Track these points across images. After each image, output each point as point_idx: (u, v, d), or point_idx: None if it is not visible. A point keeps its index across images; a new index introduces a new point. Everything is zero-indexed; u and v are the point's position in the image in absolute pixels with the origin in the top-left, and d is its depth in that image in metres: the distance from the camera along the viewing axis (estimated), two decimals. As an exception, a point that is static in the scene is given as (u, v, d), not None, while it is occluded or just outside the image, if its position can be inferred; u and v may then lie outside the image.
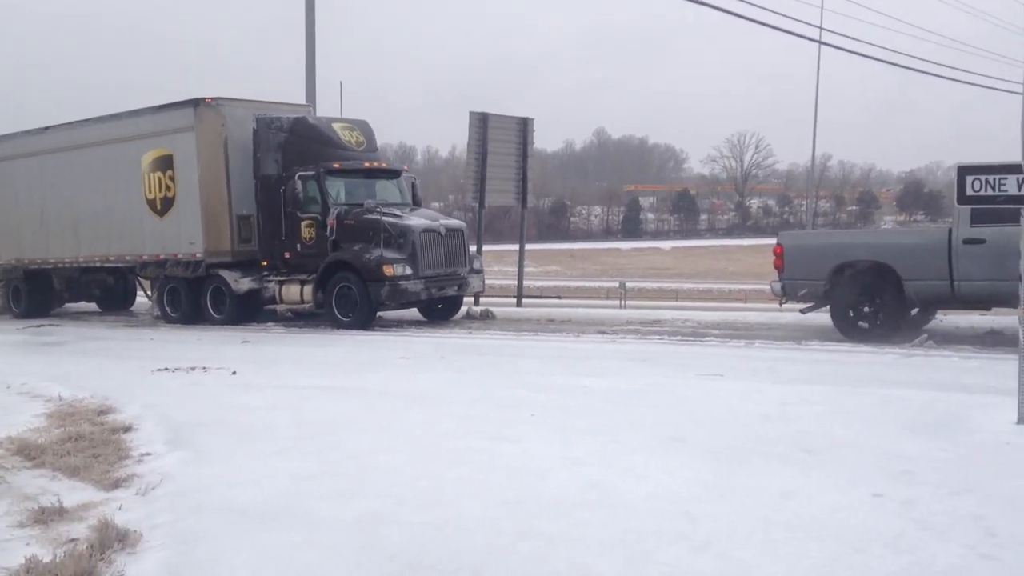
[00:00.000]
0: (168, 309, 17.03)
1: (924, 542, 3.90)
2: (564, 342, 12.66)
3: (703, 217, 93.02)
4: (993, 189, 6.20)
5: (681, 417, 6.45)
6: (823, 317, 12.27)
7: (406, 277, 14.44)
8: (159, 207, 16.68)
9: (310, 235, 15.31)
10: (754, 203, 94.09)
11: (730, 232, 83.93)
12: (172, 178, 16.37)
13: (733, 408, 6.74)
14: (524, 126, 18.86)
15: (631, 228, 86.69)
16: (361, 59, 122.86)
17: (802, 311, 12.58)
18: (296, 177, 15.15)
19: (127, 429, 6.56)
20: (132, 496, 4.92)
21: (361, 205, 15.08)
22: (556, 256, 61.13)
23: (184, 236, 16.26)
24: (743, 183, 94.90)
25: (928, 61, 24.47)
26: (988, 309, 11.83)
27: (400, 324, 15.92)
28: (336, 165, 15.37)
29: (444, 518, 4.30)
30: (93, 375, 9.47)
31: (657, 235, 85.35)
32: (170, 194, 16.45)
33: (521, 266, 20.03)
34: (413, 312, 16.38)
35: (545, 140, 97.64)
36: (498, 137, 18.25)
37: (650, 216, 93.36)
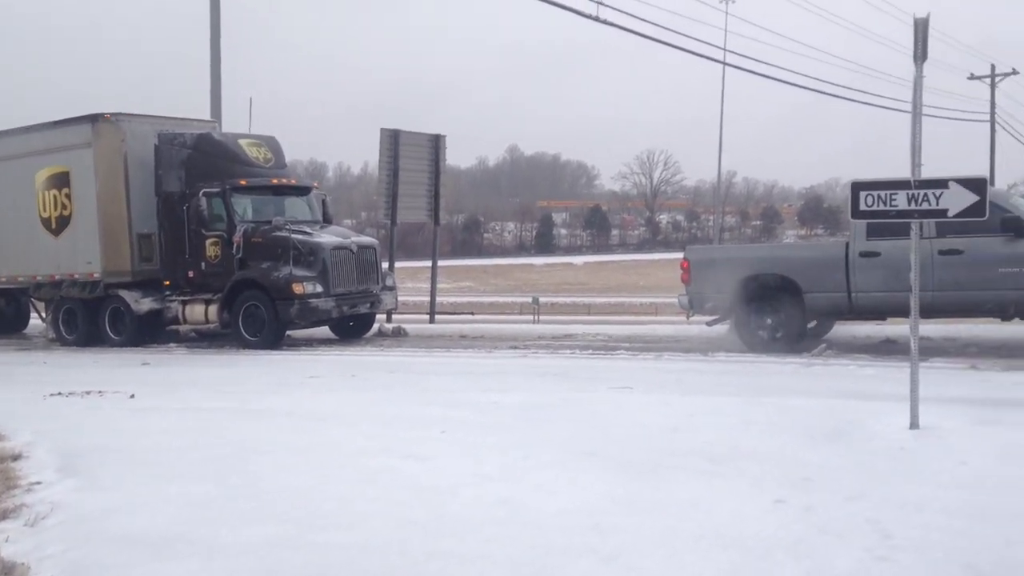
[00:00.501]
0: (64, 331, 16.36)
1: (824, 547, 3.99)
2: (476, 358, 12.64)
3: (615, 232, 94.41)
4: (885, 204, 6.44)
5: (592, 431, 6.49)
6: (729, 329, 12.55)
7: (316, 295, 14.21)
8: (55, 226, 16.05)
9: (215, 253, 14.94)
10: (664, 218, 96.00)
11: (641, 247, 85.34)
12: (69, 196, 15.79)
13: (642, 421, 6.82)
14: (436, 143, 18.85)
15: (544, 244, 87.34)
16: (273, 74, 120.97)
17: (708, 324, 12.85)
18: (200, 194, 14.78)
19: (16, 457, 6.24)
20: (20, 527, 4.67)
21: (269, 222, 14.80)
22: (470, 272, 61.12)
23: (81, 255, 15.67)
24: (653, 199, 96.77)
25: (827, 82, 25.48)
26: (883, 319, 12.29)
27: (310, 343, 15.65)
28: (242, 182, 15.06)
29: (350, 540, 4.21)
30: (-20, 402, 9.01)
31: (570, 250, 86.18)
32: (67, 212, 15.86)
33: (434, 282, 19.95)
34: (324, 330, 16.12)
35: (458, 157, 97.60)
36: (410, 154, 18.18)
37: (563, 232, 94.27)
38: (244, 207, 15.11)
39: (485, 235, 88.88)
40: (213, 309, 14.79)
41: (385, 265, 16.44)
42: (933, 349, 11.15)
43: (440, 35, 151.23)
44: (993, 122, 44.40)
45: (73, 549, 4.23)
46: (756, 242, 67.40)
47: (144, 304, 15.39)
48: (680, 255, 13.34)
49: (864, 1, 32.58)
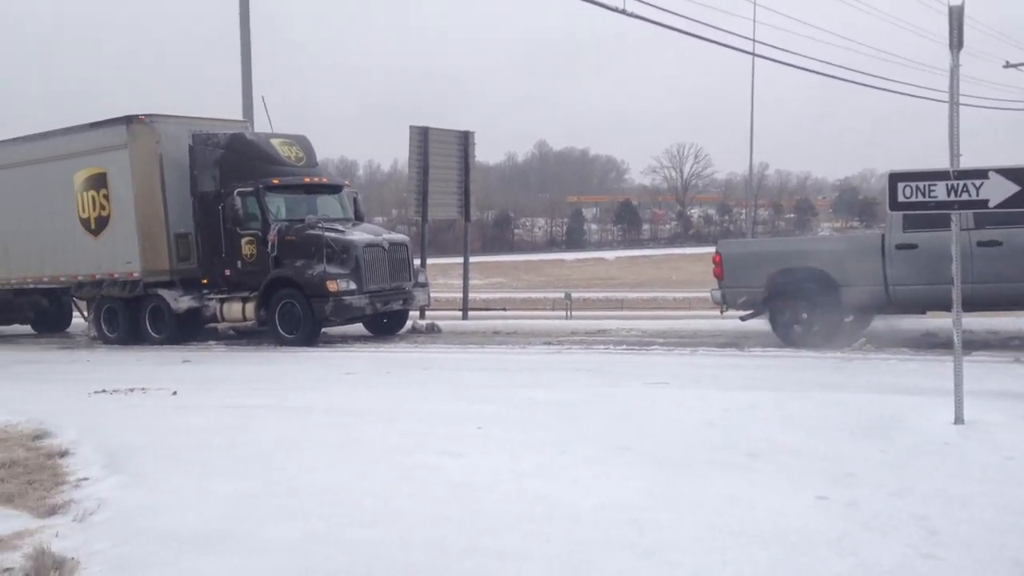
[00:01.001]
0: (105, 329, 16.63)
1: (867, 543, 3.95)
2: (510, 354, 12.66)
3: (645, 227, 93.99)
4: (923, 195, 6.34)
5: (627, 426, 6.47)
6: (765, 324, 12.46)
7: (350, 292, 14.31)
8: (94, 226, 16.30)
9: (251, 252, 15.10)
10: (695, 212, 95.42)
11: (672, 241, 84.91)
12: (107, 196, 16.03)
13: (678, 416, 6.78)
14: (465, 140, 18.89)
15: (575, 239, 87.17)
16: (302, 74, 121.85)
17: (742, 318, 12.75)
18: (235, 193, 14.93)
19: (63, 454, 6.37)
20: (69, 523, 4.76)
21: (302, 221, 14.93)
22: (501, 268, 61.17)
23: (120, 255, 15.91)
24: (683, 193, 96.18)
25: (860, 71, 25.07)
26: (923, 313, 12.12)
27: (345, 340, 15.76)
28: (275, 181, 15.20)
29: (389, 536, 4.24)
30: (28, 399, 9.17)
31: (601, 245, 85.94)
32: (105, 213, 16.10)
33: (466, 279, 20.01)
34: (359, 327, 16.24)
35: (487, 153, 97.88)
36: (439, 151, 18.25)
37: (593, 227, 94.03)
38: (278, 206, 15.26)
39: (516, 231, 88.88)
40: (250, 307, 14.95)
41: (417, 262, 16.51)
42: (976, 342, 11.00)
43: (467, 31, 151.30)
44: (1032, 110, 43.51)
45: (120, 545, 4.30)
46: (790, 235, 66.77)
47: (183, 302, 15.59)
48: (712, 249, 13.26)
49: (898, -11, 32.11)
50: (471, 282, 20.90)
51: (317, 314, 14.33)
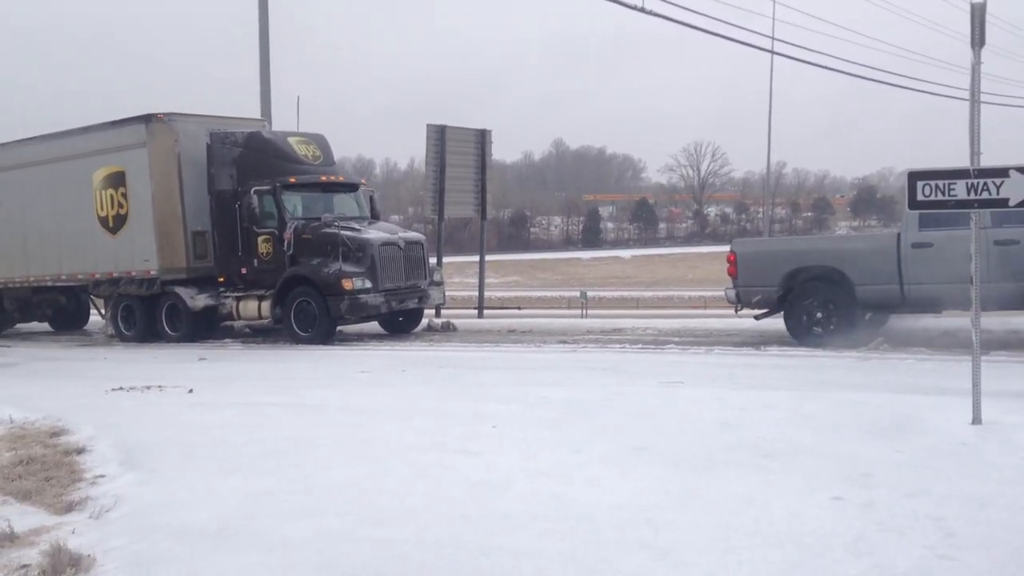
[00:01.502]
0: (122, 327, 16.75)
1: (884, 544, 3.93)
2: (526, 353, 12.66)
3: (662, 226, 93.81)
4: (943, 194, 6.29)
5: (643, 426, 6.45)
6: (780, 322, 12.40)
7: (366, 291, 14.35)
8: (112, 224, 16.42)
9: (267, 250, 15.16)
10: (712, 211, 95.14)
11: (689, 240, 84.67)
12: (125, 195, 16.14)
13: (694, 415, 6.76)
14: (482, 138, 18.90)
15: (591, 238, 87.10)
16: (319, 72, 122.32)
17: (756, 317, 12.70)
18: (252, 192, 15.00)
19: (80, 451, 6.41)
20: (85, 519, 4.80)
21: (319, 219, 14.98)
22: (517, 266, 61.20)
23: (138, 253, 16.02)
24: (700, 191, 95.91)
25: (878, 69, 24.89)
26: (938, 312, 12.03)
27: (361, 338, 15.81)
28: (292, 179, 15.26)
29: (404, 534, 4.25)
30: (45, 396, 9.25)
31: (617, 244, 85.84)
32: (123, 211, 16.21)
33: (482, 277, 20.02)
34: (374, 325, 16.28)
35: (504, 151, 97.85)
36: (456, 149, 18.27)
37: (610, 225, 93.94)
38: (294, 204, 15.31)
39: (532, 229, 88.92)
40: (266, 305, 15.01)
41: (433, 260, 16.53)
42: (994, 342, 10.89)
43: (484, 30, 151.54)
44: (1053, 108, 43.08)
45: (137, 541, 4.33)
46: (807, 234, 66.41)
47: (199, 300, 15.68)
48: (728, 248, 13.21)
49: (918, -14, 31.86)
50: (487, 280, 20.91)
51: (332, 312, 14.38)
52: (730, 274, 12.48)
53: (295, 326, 14.78)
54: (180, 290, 15.79)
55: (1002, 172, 6.14)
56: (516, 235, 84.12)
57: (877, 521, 4.21)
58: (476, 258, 20.78)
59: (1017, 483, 4.73)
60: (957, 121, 6.51)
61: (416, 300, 15.52)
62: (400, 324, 16.21)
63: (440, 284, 16.27)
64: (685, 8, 15.96)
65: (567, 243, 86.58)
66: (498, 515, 4.50)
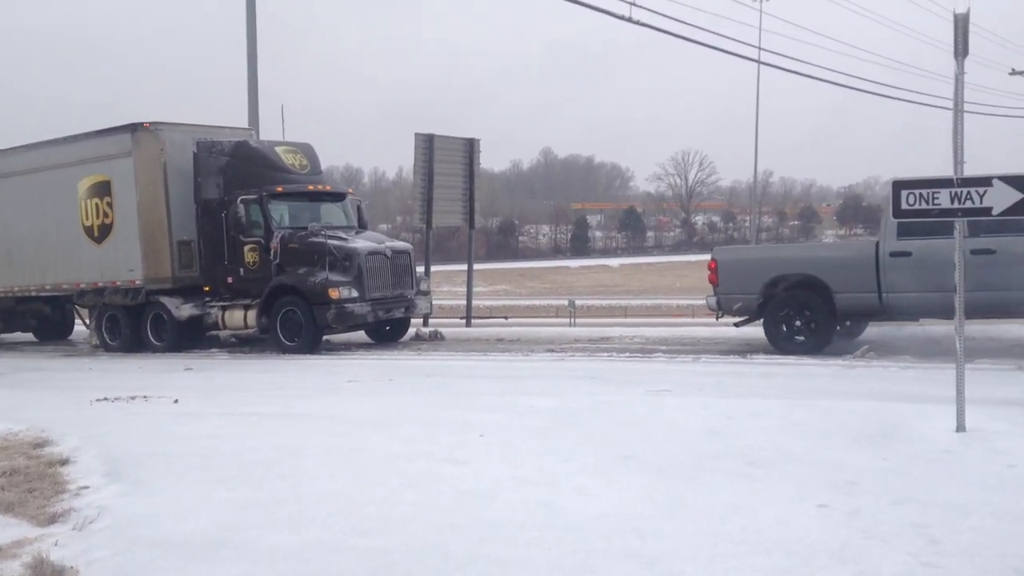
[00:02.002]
0: (107, 337, 16.65)
1: (869, 552, 3.94)
2: (513, 362, 12.66)
3: (650, 234, 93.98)
4: (927, 203, 6.34)
5: (630, 434, 6.46)
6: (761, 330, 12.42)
7: (352, 300, 14.32)
8: (97, 234, 16.35)
9: (253, 259, 15.12)
10: (699, 220, 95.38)
11: (677, 248, 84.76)
12: (110, 204, 16.07)
13: (681, 424, 6.77)
14: (470, 147, 18.91)
15: (579, 246, 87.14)
16: (308, 81, 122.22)
17: (736, 325, 12.76)
18: (238, 201, 14.96)
19: (64, 462, 6.36)
20: (69, 531, 4.76)
21: (305, 228, 14.96)
22: (505, 275, 61.12)
23: (123, 263, 15.94)
24: (688, 200, 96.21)
25: (865, 79, 25.05)
26: (916, 320, 12.10)
27: (348, 347, 15.77)
28: (279, 189, 15.23)
29: (392, 544, 4.24)
30: (29, 407, 9.18)
31: (605, 252, 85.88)
32: (108, 220, 16.14)
33: (470, 286, 20.01)
34: (362, 335, 16.25)
35: (492, 160, 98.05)
36: (444, 158, 18.28)
37: (598, 234, 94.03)
38: (281, 213, 15.28)
39: (520, 238, 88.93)
40: (252, 314, 14.96)
41: (420, 270, 16.52)
42: (978, 350, 10.94)
43: (472, 40, 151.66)
44: (1036, 118, 43.43)
45: (120, 553, 4.30)
46: (794, 242, 66.70)
47: (185, 310, 15.61)
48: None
49: (902, -3, 32.11)
50: (475, 289, 20.90)
51: (319, 321, 14.35)
52: (711, 282, 12.54)
53: (281, 335, 14.73)
54: (165, 300, 15.72)
55: (986, 181, 6.20)
56: (504, 244, 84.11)
57: (862, 528, 4.23)
58: (464, 267, 20.77)
59: (1000, 490, 4.76)
60: (943, 131, 6.56)
61: (403, 309, 15.51)
62: (387, 333, 16.18)
63: (427, 294, 16.26)
64: (672, 18, 16.09)
65: (555, 252, 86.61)
66: (486, 524, 4.49)
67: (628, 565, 3.90)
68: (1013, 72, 42.69)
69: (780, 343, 11.83)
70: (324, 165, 17.07)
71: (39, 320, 19.27)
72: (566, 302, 24.04)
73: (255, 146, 15.98)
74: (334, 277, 14.35)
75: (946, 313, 10.85)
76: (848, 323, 12.50)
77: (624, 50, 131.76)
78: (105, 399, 9.36)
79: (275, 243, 14.82)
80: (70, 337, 19.85)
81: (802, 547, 4.02)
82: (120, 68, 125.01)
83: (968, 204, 6.21)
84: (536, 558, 4.01)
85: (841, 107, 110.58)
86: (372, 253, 14.90)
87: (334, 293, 14.19)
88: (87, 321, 17.94)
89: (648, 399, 8.09)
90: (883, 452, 5.65)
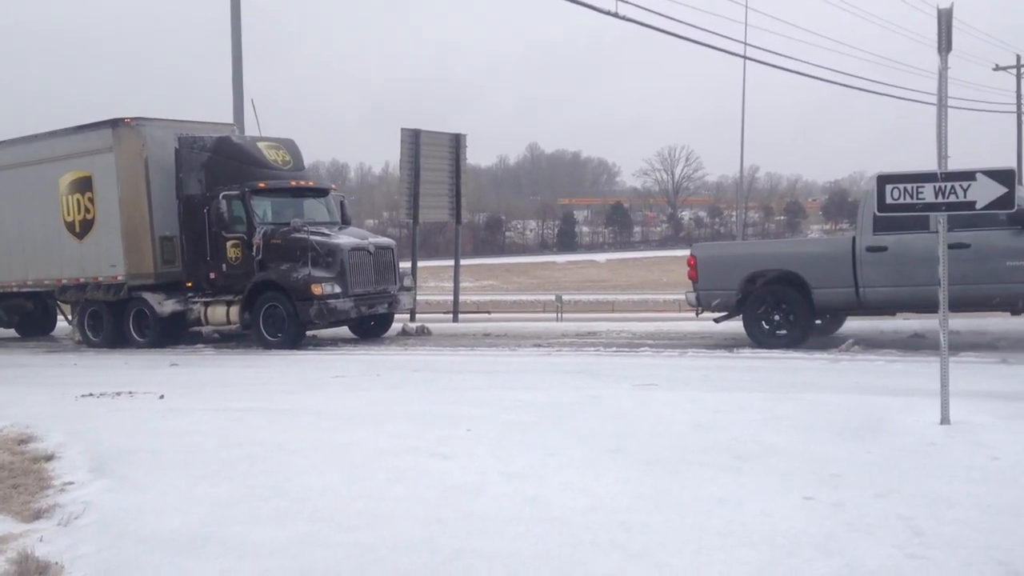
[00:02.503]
0: (89, 333, 16.56)
1: (854, 544, 3.96)
2: (500, 356, 12.65)
3: (637, 229, 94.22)
4: (912, 197, 6.37)
5: (617, 428, 6.47)
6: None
7: (335, 296, 14.29)
8: (78, 230, 16.24)
9: (236, 255, 15.06)
10: (686, 215, 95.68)
11: (663, 244, 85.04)
12: (92, 200, 15.97)
13: (667, 418, 6.79)
14: (456, 142, 18.89)
15: (566, 241, 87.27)
16: (295, 77, 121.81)
17: (716, 320, 12.81)
18: (220, 197, 14.91)
19: (49, 458, 6.31)
20: (53, 527, 4.72)
21: (288, 224, 14.90)
22: (492, 270, 61.18)
23: (105, 259, 15.85)
24: (675, 195, 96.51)
25: (850, 75, 25.18)
26: (892, 315, 12.17)
27: (335, 342, 15.74)
28: (261, 184, 15.17)
29: (379, 538, 4.23)
30: (13, 403, 9.09)
31: (592, 248, 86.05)
32: (90, 216, 16.04)
33: (456, 281, 19.99)
34: (347, 330, 16.21)
35: (479, 156, 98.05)
36: (431, 153, 18.25)
37: (584, 229, 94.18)
38: (263, 209, 15.23)
39: (507, 233, 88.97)
40: (234, 310, 14.91)
41: (405, 265, 16.49)
42: (963, 344, 11.04)
43: (460, 36, 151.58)
44: (1020, 113, 43.77)
45: (106, 549, 4.27)
46: (777, 237, 66.99)
47: (167, 306, 15.55)
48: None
49: (886, -8, 32.24)
50: (462, 285, 20.89)
51: (302, 317, 14.31)
52: (690, 278, 12.58)
53: (264, 331, 14.69)
54: (148, 295, 15.64)
55: (969, 175, 6.23)
56: (491, 239, 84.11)
57: (847, 521, 4.25)
58: (451, 262, 20.75)
59: (984, 483, 4.79)
60: (929, 127, 6.60)
61: (386, 305, 15.48)
62: (370, 329, 16.15)
63: (410, 289, 16.23)
64: (658, 14, 16.10)
65: (542, 247, 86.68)
66: (473, 518, 4.49)
67: (615, 558, 3.91)
68: (997, 68, 42.99)
69: (759, 338, 11.89)
70: (310, 160, 17.01)
71: (21, 316, 19.14)
72: (553, 297, 24.12)
73: (237, 142, 15.91)
74: (317, 273, 14.31)
75: (922, 307, 10.98)
76: (828, 317, 12.57)
77: (610, 46, 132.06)
78: (90, 395, 9.30)
79: (257, 239, 14.78)
80: (52, 333, 19.71)
81: (787, 539, 4.03)
82: (107, 65, 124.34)
83: (952, 198, 6.25)
84: (523, 551, 4.01)
85: (827, 103, 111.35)
86: (355, 249, 14.87)
87: (317, 289, 14.16)
88: (70, 317, 17.82)
89: (635, 393, 8.10)
90: (868, 445, 5.68)
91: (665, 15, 16.31)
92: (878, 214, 6.73)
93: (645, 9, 15.67)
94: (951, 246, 10.34)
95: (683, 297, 14.18)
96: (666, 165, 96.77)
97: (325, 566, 3.92)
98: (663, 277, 51.75)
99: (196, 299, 15.52)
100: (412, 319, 17.49)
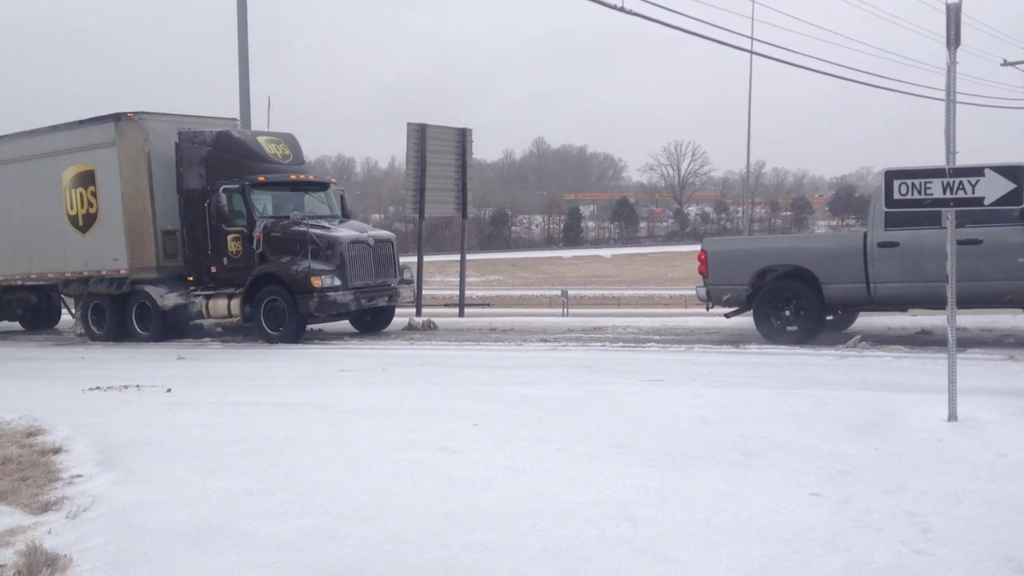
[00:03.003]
0: (93, 327, 16.63)
1: (861, 540, 3.96)
2: (507, 351, 12.66)
3: (643, 225, 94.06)
4: (920, 193, 6.34)
5: (623, 423, 6.47)
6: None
7: (335, 288, 14.33)
8: (81, 223, 16.31)
9: (236, 249, 15.11)
10: (692, 210, 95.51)
11: (669, 239, 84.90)
12: (94, 194, 16.03)
13: (674, 413, 6.79)
14: (463, 137, 18.87)
15: (572, 236, 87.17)
16: (301, 71, 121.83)
17: (726, 315, 12.80)
18: (221, 191, 14.95)
19: (57, 451, 6.34)
20: (62, 519, 4.74)
21: (288, 218, 14.94)
22: (498, 265, 61.16)
23: (107, 252, 15.92)
24: (681, 191, 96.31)
25: (858, 70, 25.03)
26: (904, 310, 12.13)
27: (341, 336, 15.76)
28: (261, 178, 15.23)
29: (386, 532, 4.24)
30: (21, 396, 9.14)
31: (598, 243, 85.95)
32: (92, 210, 16.10)
33: (463, 276, 20.00)
34: (351, 325, 16.24)
35: (485, 150, 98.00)
36: (437, 148, 18.23)
37: (590, 224, 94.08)
38: (263, 203, 15.28)
39: (513, 228, 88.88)
40: (235, 303, 14.96)
41: (404, 259, 16.52)
42: (970, 340, 11.02)
43: (466, 31, 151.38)
44: (1028, 109, 43.51)
45: (114, 541, 4.29)
46: (786, 233, 66.84)
47: (169, 299, 15.60)
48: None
49: (895, -13, 32.09)
50: (468, 279, 20.89)
51: (302, 310, 14.35)
52: (701, 272, 12.57)
53: (265, 324, 14.73)
54: (150, 289, 15.70)
55: (978, 171, 6.20)
56: (497, 234, 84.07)
57: (855, 517, 4.25)
58: (457, 257, 20.74)
59: (992, 479, 4.79)
60: (937, 122, 6.57)
61: (386, 298, 15.49)
62: (370, 323, 16.19)
63: (410, 282, 16.24)
64: (665, 8, 16.04)
65: (548, 242, 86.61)
66: (479, 512, 4.50)
67: (621, 552, 3.91)
68: (1005, 63, 42.77)
69: (769, 333, 11.87)
70: (316, 155, 17.32)
71: (25, 309, 19.21)
72: (559, 292, 24.09)
73: (237, 136, 15.93)
74: (316, 266, 14.34)
75: (934, 303, 10.95)
76: (840, 312, 12.54)
77: (617, 41, 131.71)
78: (97, 388, 9.34)
79: (258, 232, 14.83)
80: (57, 326, 19.79)
81: (794, 535, 4.03)
82: (110, 59, 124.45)
83: (960, 194, 6.22)
84: (530, 546, 4.01)
85: (834, 98, 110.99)
86: (354, 242, 14.89)
87: (316, 282, 14.19)
88: (73, 310, 17.89)
89: (641, 388, 8.10)
90: (875, 441, 5.67)
91: (671, 9, 16.25)
92: (886, 210, 6.71)
93: (652, 4, 15.63)
94: (964, 242, 10.38)
95: (689, 292, 14.17)
96: (672, 160, 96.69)
97: (333, 559, 3.93)
98: (669, 273, 51.72)
99: (198, 292, 15.57)
100: (418, 313, 17.51)
